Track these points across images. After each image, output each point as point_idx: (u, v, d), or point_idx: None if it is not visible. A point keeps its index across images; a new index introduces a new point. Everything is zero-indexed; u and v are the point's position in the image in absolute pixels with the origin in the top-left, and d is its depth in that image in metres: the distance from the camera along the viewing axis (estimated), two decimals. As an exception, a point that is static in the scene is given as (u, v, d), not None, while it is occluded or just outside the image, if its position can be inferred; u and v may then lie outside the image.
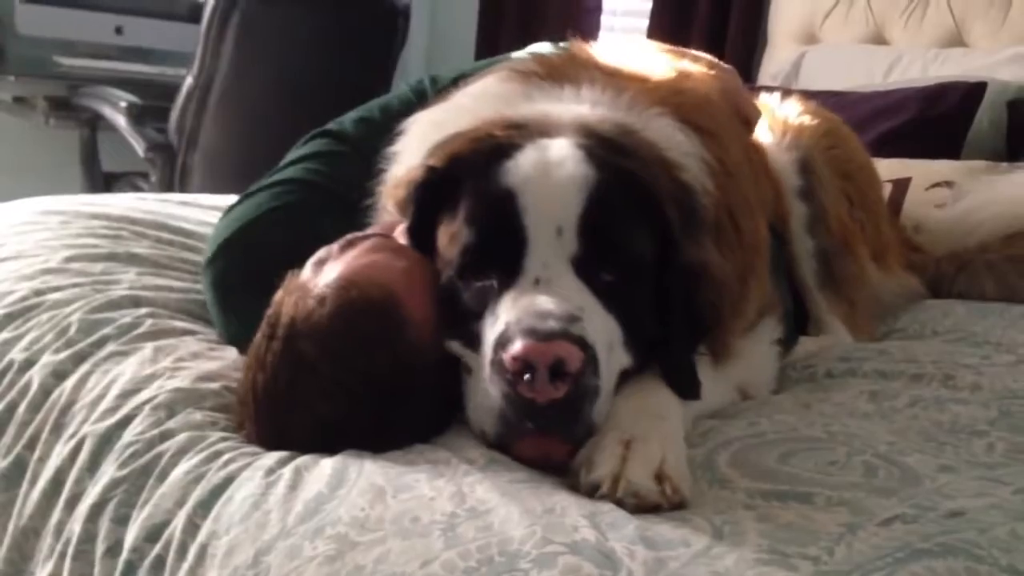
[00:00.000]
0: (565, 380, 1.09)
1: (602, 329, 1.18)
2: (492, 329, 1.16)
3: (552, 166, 1.23)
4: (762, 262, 1.50)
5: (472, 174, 1.27)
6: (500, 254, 1.21)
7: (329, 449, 1.20)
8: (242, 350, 1.44)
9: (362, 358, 1.21)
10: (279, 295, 1.29)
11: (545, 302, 1.14)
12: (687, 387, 1.26)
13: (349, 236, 1.34)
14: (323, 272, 1.27)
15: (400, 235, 1.36)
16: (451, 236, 1.27)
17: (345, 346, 1.21)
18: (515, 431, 1.14)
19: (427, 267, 1.29)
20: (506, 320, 1.14)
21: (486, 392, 1.16)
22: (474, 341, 1.20)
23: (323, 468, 1.15)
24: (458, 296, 1.24)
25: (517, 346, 1.09)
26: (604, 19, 4.45)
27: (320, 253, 1.32)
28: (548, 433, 1.14)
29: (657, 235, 1.26)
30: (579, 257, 1.20)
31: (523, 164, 1.24)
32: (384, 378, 1.21)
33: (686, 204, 1.31)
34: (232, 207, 1.75)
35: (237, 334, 1.51)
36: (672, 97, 1.47)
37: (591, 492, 1.09)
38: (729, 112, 1.64)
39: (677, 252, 1.26)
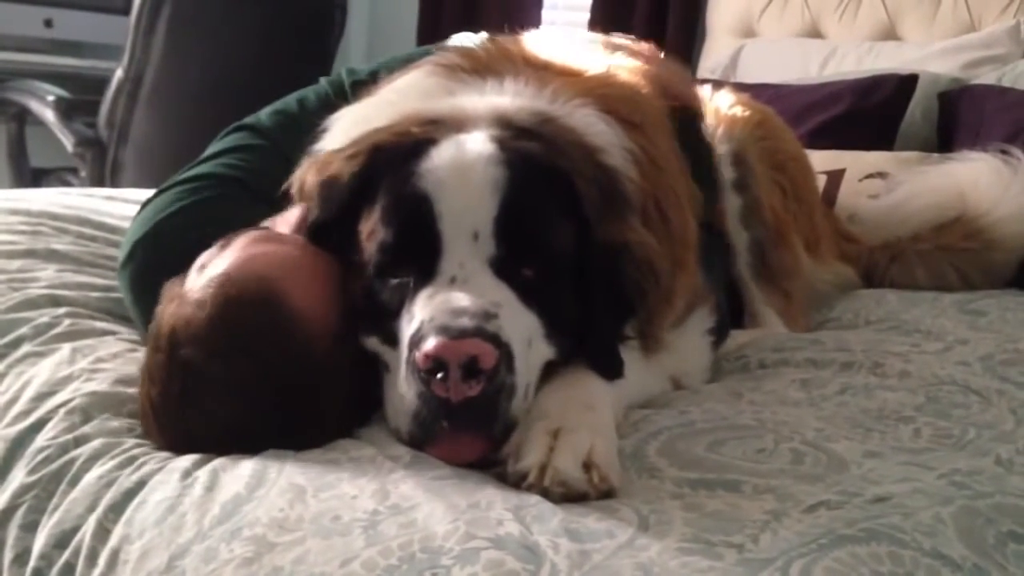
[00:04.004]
0: (479, 378, 1.07)
1: (520, 325, 1.16)
2: (408, 327, 1.15)
3: (466, 168, 1.21)
4: (690, 255, 1.49)
5: (389, 171, 1.24)
6: (416, 255, 1.19)
7: (242, 451, 1.16)
8: None
9: (250, 354, 1.17)
10: (160, 307, 1.26)
11: (460, 299, 1.12)
12: (609, 367, 1.24)
13: (229, 235, 1.31)
14: (203, 275, 1.24)
15: (284, 224, 1.33)
16: (369, 232, 1.25)
17: (230, 345, 1.18)
18: (431, 430, 1.12)
19: (314, 253, 1.27)
20: (421, 318, 1.12)
21: (402, 391, 1.14)
22: (392, 338, 1.18)
23: (242, 469, 1.12)
24: (377, 293, 1.22)
25: (430, 344, 1.07)
26: (545, 12, 4.45)
27: (202, 257, 1.28)
28: (464, 431, 1.12)
29: (577, 219, 1.24)
30: (496, 257, 1.19)
31: (437, 166, 1.21)
32: (279, 371, 1.18)
33: (608, 186, 1.30)
34: (146, 204, 1.71)
35: None
36: (598, 89, 1.46)
37: (518, 482, 1.07)
38: (661, 107, 1.63)
39: (594, 232, 1.24)
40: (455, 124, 1.28)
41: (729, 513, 1.01)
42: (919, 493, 1.06)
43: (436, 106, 1.36)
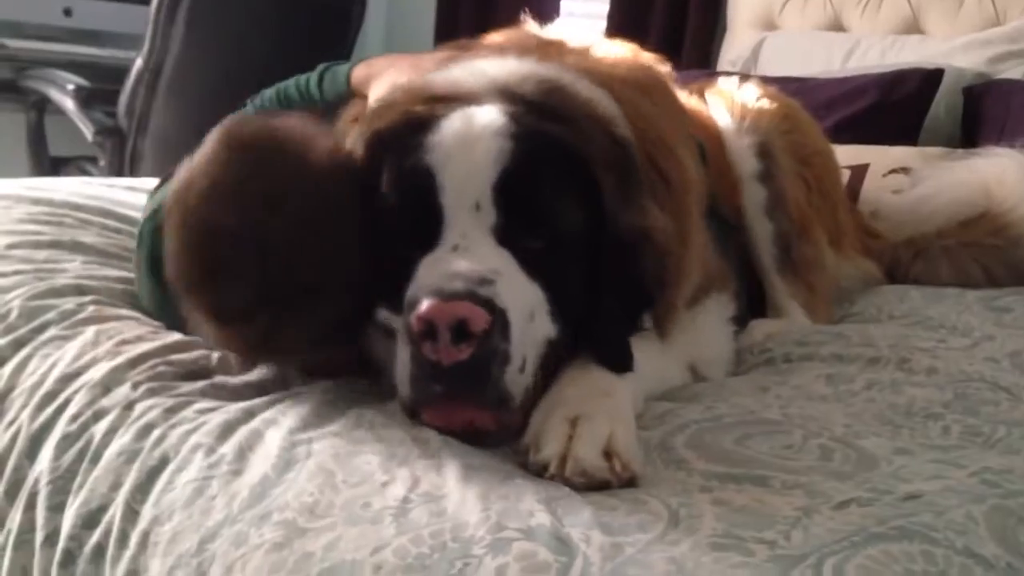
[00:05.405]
0: (469, 342, 1.07)
1: (521, 294, 1.15)
2: (408, 294, 1.15)
3: (470, 140, 1.20)
4: (694, 201, 1.44)
5: (393, 147, 1.25)
6: (421, 226, 1.19)
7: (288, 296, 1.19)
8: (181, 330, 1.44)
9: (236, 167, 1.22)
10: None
11: (456, 265, 1.13)
12: (615, 359, 1.22)
13: None
14: None
15: None
16: (378, 206, 1.25)
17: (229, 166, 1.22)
18: (425, 394, 1.12)
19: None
20: (418, 284, 1.13)
21: (401, 355, 1.14)
22: (399, 308, 1.18)
23: (268, 448, 1.12)
24: (385, 264, 1.22)
25: (421, 307, 1.07)
26: (564, 4, 4.42)
27: None
28: (456, 397, 1.12)
29: (592, 200, 1.23)
30: (500, 226, 1.18)
31: (441, 140, 1.21)
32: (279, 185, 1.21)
33: (623, 163, 1.27)
34: (154, 192, 1.72)
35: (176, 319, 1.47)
36: (607, 68, 1.44)
37: (539, 472, 1.07)
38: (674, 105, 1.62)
39: (611, 219, 1.23)
40: (457, 97, 1.27)
41: (759, 509, 1.00)
42: (950, 491, 1.05)
43: (433, 78, 1.34)
